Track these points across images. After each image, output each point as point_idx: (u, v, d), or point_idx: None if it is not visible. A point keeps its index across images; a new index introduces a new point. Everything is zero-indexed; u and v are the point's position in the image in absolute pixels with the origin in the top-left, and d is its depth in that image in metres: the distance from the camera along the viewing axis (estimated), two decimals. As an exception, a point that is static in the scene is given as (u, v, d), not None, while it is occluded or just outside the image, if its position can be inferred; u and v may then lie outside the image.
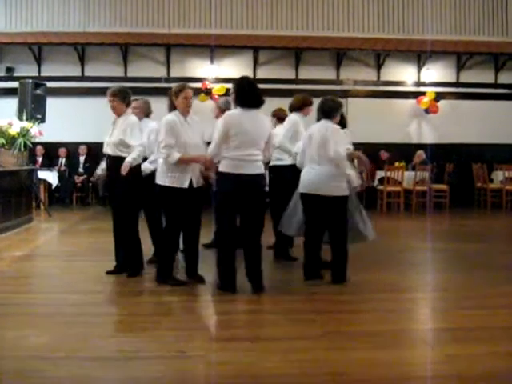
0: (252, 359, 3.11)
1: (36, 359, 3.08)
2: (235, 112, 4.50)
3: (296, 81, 12.30)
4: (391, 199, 11.17)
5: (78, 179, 11.48)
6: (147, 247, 5.41)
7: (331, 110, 4.86)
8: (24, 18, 12.29)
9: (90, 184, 11.45)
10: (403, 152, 12.05)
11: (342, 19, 12.82)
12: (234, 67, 12.10)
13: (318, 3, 12.74)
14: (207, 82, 11.76)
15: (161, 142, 4.61)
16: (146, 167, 5.23)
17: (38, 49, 11.97)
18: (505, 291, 4.68)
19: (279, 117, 6.28)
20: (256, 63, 12.37)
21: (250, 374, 2.94)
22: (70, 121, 11.41)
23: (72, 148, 11.76)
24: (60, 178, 11.15)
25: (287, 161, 5.77)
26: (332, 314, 4.05)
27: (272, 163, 5.95)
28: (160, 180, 4.70)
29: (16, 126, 7.94)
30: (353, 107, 11.97)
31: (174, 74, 12.09)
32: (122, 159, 4.85)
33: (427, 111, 12.37)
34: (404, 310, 4.21)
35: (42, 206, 9.80)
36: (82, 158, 11.73)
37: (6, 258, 5.87)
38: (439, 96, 12.25)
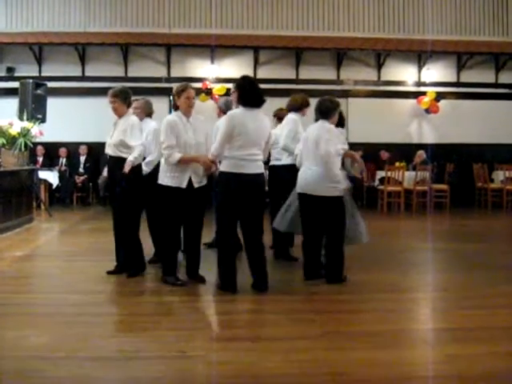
0: (252, 359, 3.11)
1: (36, 359, 3.08)
2: (239, 112, 4.49)
3: (296, 81, 12.30)
4: (392, 199, 11.17)
5: (79, 179, 11.48)
6: (148, 247, 5.41)
7: (328, 111, 4.87)
8: (25, 17, 12.30)
9: (91, 184, 11.48)
10: (404, 152, 12.05)
11: (343, 19, 12.82)
12: (234, 67, 12.10)
13: (318, 3, 12.74)
14: (208, 82, 11.76)
15: (162, 142, 4.64)
16: (143, 169, 5.23)
17: (39, 49, 11.98)
18: (505, 291, 4.68)
19: (280, 117, 6.27)
20: (256, 63, 12.38)
21: (250, 373, 2.95)
22: (71, 121, 11.42)
23: (72, 148, 11.77)
24: (60, 177, 11.15)
25: (285, 160, 5.77)
26: (332, 313, 4.05)
27: (270, 163, 5.94)
28: (160, 179, 4.74)
29: (16, 126, 7.95)
30: (353, 107, 11.98)
31: (174, 73, 12.09)
32: (123, 160, 4.86)
33: (428, 111, 12.37)
34: (404, 309, 4.21)
35: (42, 206, 9.81)
36: (82, 158, 11.73)
37: (7, 257, 5.87)
38: (440, 96, 12.25)
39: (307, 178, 4.79)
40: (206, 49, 11.93)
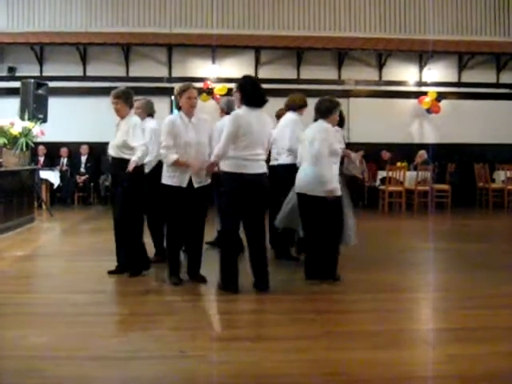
0: (253, 359, 3.11)
1: (36, 359, 3.08)
2: (243, 112, 4.48)
3: (298, 81, 12.29)
4: (393, 199, 11.16)
5: (80, 179, 11.49)
6: (148, 248, 5.40)
7: (328, 110, 4.86)
8: (26, 17, 12.31)
9: (92, 184, 11.48)
10: (405, 152, 12.04)
11: (344, 19, 12.82)
12: (235, 67, 12.10)
13: (319, 3, 12.74)
14: (209, 82, 11.76)
15: (161, 142, 4.68)
16: None
17: (40, 49, 11.99)
18: (507, 291, 4.67)
19: (281, 117, 6.26)
20: (258, 63, 12.38)
21: (251, 373, 2.94)
22: (72, 121, 11.43)
23: (74, 148, 11.76)
24: (62, 177, 11.15)
25: (284, 160, 5.76)
26: (333, 313, 4.05)
27: (270, 163, 5.94)
28: (163, 179, 4.76)
29: (18, 126, 7.95)
30: (354, 107, 11.96)
31: (175, 73, 12.09)
32: (125, 161, 4.85)
33: (429, 111, 12.35)
34: (405, 309, 4.21)
35: (43, 206, 9.80)
36: (83, 158, 11.73)
37: (8, 257, 5.87)
38: (441, 96, 12.24)
39: (306, 179, 4.80)
40: (207, 49, 11.93)
